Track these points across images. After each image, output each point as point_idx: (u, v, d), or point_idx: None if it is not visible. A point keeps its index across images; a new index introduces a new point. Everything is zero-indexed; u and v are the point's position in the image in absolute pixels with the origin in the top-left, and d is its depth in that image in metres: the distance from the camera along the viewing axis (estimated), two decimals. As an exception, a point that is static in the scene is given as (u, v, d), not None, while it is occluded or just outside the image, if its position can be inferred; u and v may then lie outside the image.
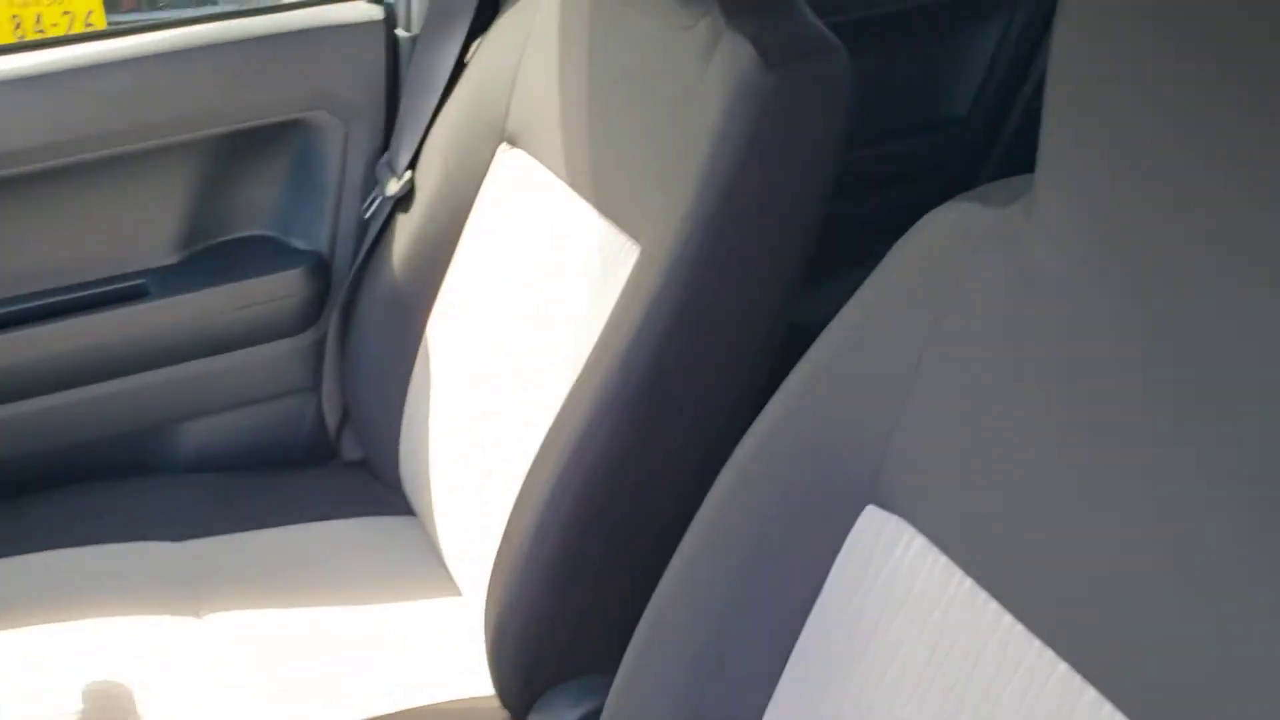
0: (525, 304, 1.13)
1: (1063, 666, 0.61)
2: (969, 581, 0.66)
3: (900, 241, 0.72)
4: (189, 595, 1.15)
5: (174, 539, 1.21)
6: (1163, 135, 0.55)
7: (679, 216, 0.90)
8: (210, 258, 1.32)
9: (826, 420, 0.74)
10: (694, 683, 0.77)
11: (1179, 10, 0.52)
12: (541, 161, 1.15)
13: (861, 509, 0.72)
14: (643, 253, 0.96)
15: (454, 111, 1.24)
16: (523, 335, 1.13)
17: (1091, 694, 0.59)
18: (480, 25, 1.24)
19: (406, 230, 1.26)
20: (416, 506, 1.29)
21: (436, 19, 1.25)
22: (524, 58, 1.17)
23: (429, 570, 1.24)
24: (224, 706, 1.04)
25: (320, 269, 1.34)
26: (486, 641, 1.06)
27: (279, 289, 1.31)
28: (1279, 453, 0.54)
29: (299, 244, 1.34)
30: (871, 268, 0.73)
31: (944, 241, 0.69)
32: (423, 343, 1.25)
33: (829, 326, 0.76)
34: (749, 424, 0.77)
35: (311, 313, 1.35)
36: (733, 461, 0.78)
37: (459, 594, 1.21)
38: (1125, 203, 0.58)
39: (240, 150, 1.30)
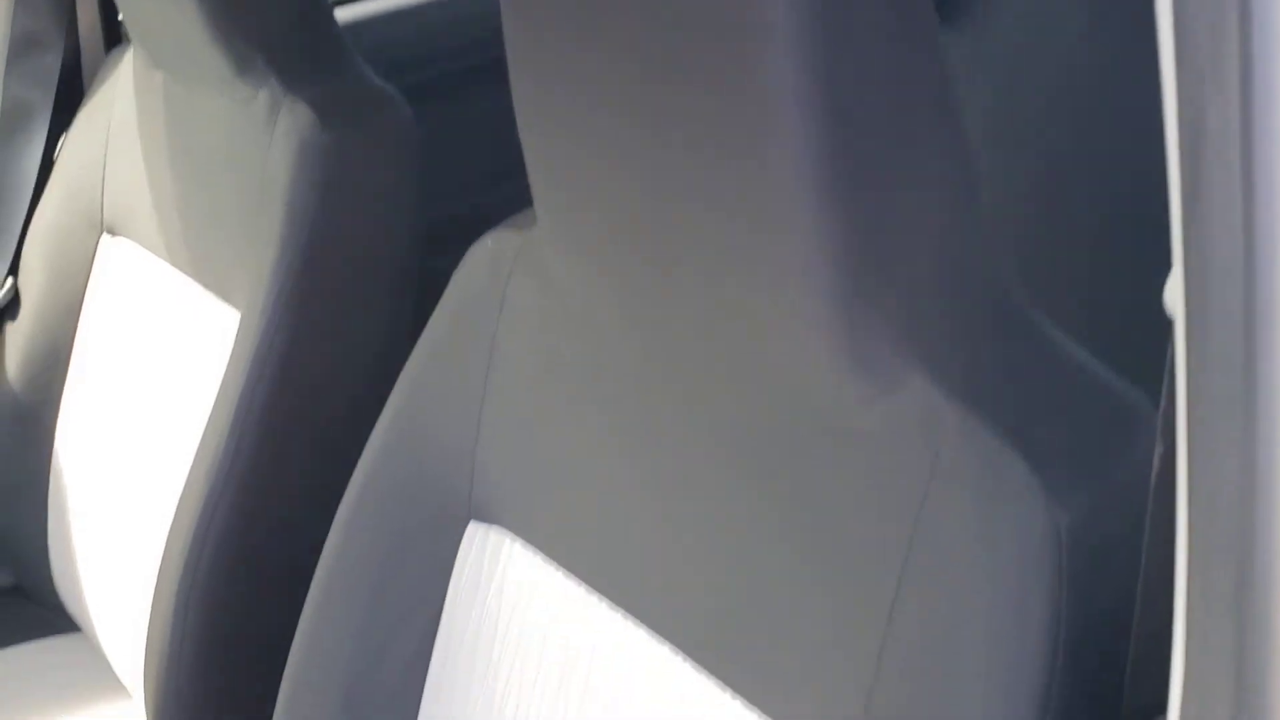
0: (147, 392, 1.11)
1: (642, 631, 0.66)
2: (560, 574, 0.71)
3: (454, 273, 0.76)
4: None
5: None
6: (597, 135, 0.60)
7: (266, 278, 0.91)
8: None
9: (418, 446, 0.77)
10: None
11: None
12: (144, 245, 1.13)
13: (464, 526, 0.75)
14: (242, 318, 0.97)
15: (49, 210, 1.21)
16: (149, 424, 1.11)
17: (679, 661, 0.64)
18: (62, 122, 1.22)
19: (17, 339, 1.21)
20: (79, 621, 1.24)
21: (11, 123, 1.22)
22: (109, 147, 1.16)
23: (98, 681, 1.19)
24: None
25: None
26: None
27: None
28: (755, 425, 0.60)
29: (-96, 372, 1.27)
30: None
31: (484, 270, 0.73)
32: (54, 452, 1.21)
33: (411, 357, 0.79)
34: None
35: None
36: (344, 502, 0.80)
37: (129, 697, 1.18)
38: (594, 199, 0.63)
39: None
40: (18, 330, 1.21)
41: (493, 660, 0.74)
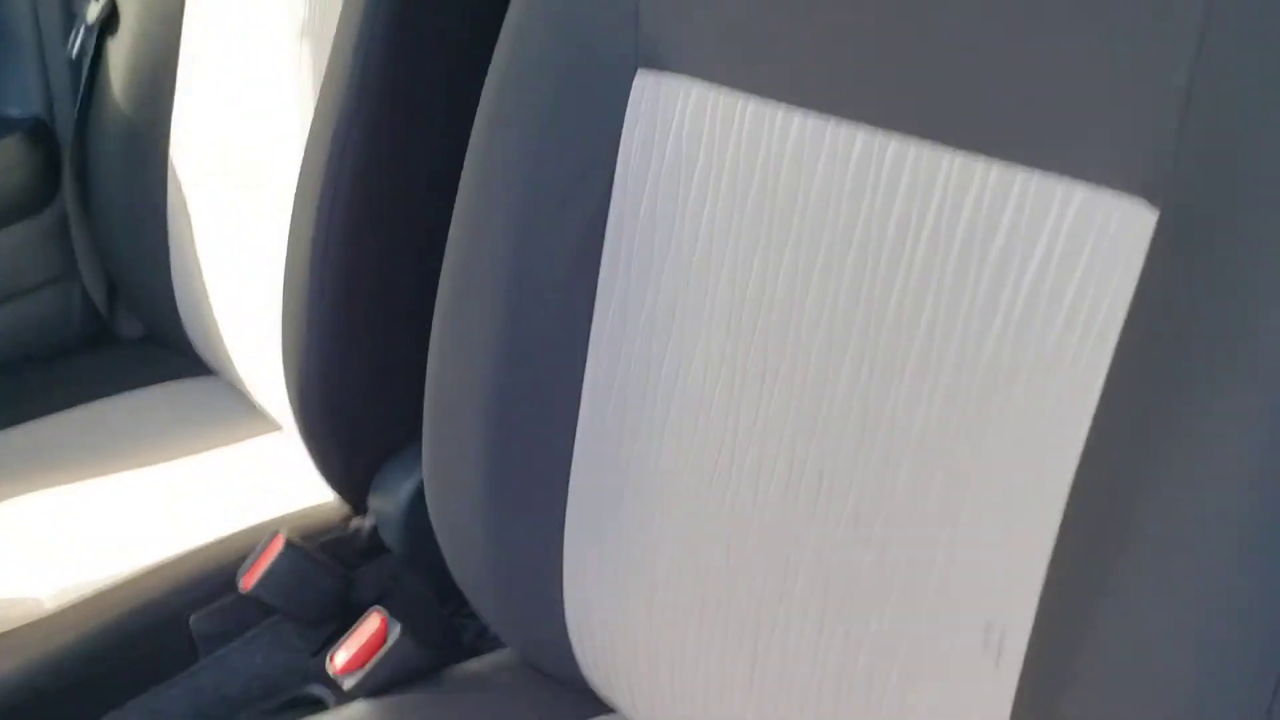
0: (257, 93, 1.03)
1: (860, 133, 0.56)
2: (752, 103, 0.61)
3: None
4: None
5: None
6: None
7: None
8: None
9: (569, 4, 0.67)
10: (501, 367, 0.71)
11: None
12: None
13: (631, 77, 0.65)
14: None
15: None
16: (262, 138, 1.02)
17: (910, 145, 0.54)
18: None
19: (120, 57, 1.14)
20: (215, 364, 1.18)
21: None
22: None
23: (242, 414, 1.14)
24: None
25: (42, 132, 1.20)
26: (304, 441, 0.97)
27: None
28: None
29: (12, 112, 1.20)
30: None
31: None
32: (170, 179, 1.13)
33: None
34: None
35: (45, 187, 1.21)
36: (486, 93, 0.70)
37: (279, 428, 1.12)
38: None
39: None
40: (120, 47, 1.14)
41: (676, 227, 0.64)
